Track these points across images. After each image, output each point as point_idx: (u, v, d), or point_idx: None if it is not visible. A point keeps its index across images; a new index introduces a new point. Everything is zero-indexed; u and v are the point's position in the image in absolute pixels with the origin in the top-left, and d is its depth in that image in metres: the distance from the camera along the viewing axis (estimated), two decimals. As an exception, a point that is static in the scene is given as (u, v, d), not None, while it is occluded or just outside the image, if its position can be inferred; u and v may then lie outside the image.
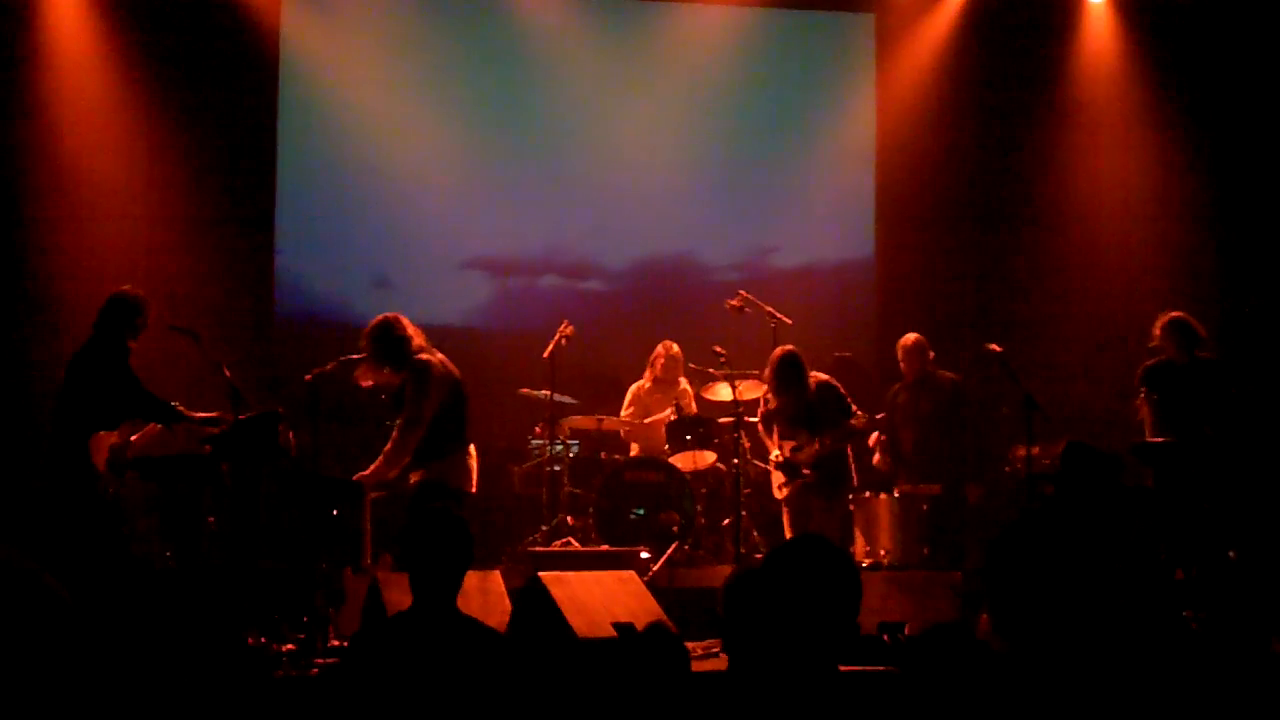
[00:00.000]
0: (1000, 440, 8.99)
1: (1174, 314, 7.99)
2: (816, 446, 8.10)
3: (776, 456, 8.23)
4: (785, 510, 8.28)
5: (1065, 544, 2.72)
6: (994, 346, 8.09)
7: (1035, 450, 7.98)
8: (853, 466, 8.36)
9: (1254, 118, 10.41)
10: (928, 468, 8.48)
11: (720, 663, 5.72)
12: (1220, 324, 8.18)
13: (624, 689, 3.34)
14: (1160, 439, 7.85)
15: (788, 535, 8.06)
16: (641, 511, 8.74)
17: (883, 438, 8.61)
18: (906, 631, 6.31)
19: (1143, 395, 7.98)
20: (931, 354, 8.67)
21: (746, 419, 8.55)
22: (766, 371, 8.18)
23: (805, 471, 8.13)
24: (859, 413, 8.23)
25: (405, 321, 7.08)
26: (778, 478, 8.31)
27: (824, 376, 8.30)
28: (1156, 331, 7.97)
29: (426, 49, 10.86)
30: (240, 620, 6.18)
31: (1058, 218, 10.81)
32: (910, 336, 8.73)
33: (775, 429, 8.28)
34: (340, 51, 10.56)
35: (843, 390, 8.29)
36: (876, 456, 8.67)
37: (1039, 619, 2.68)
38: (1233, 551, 7.39)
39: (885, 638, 6.20)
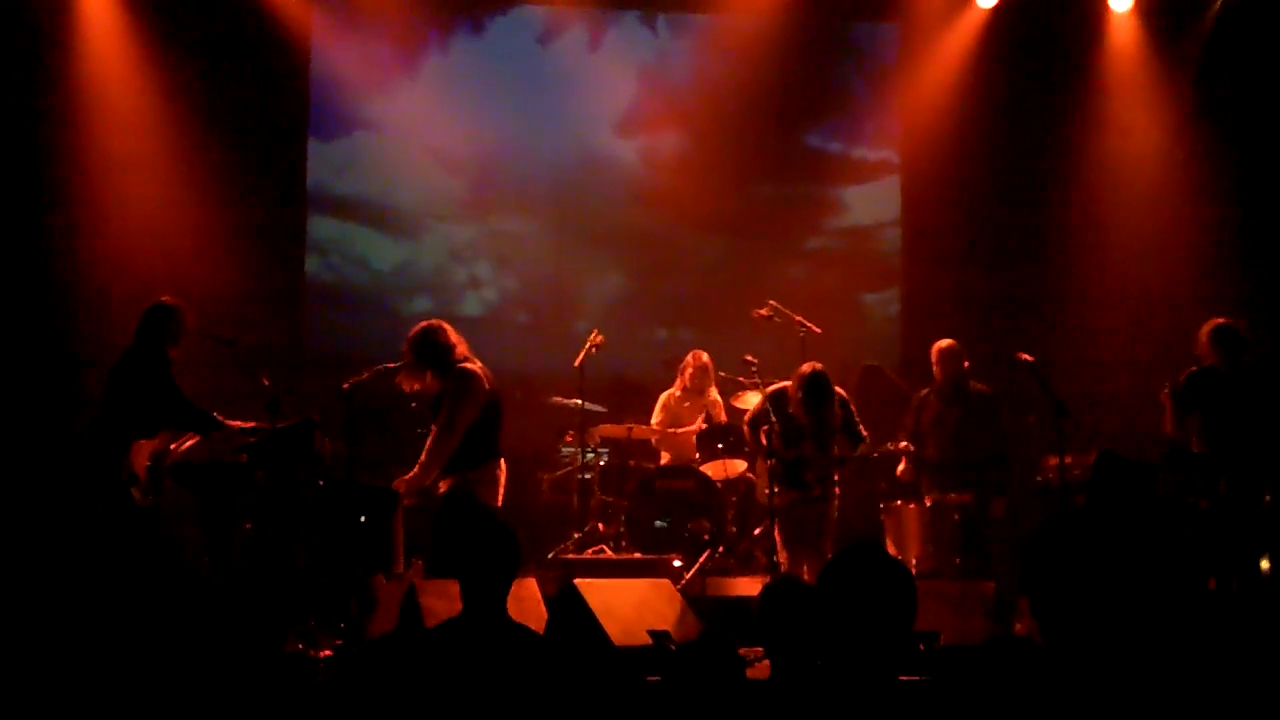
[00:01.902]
0: (1031, 450, 8.91)
1: (1219, 321, 7.91)
2: (822, 461, 8.06)
3: (773, 463, 8.09)
4: (775, 517, 8.09)
5: (1097, 551, 2.75)
6: (1025, 356, 8.08)
7: (1067, 460, 7.96)
8: (836, 474, 8.26)
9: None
10: (952, 476, 8.38)
11: (758, 671, 5.75)
12: (1258, 328, 8.10)
13: (680, 696, 3.37)
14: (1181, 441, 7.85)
15: (779, 542, 8.01)
16: (672, 519, 8.76)
17: (910, 447, 8.54)
18: (941, 641, 6.32)
19: (1166, 391, 7.92)
20: (966, 363, 8.53)
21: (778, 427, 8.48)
22: (793, 387, 8.10)
23: (809, 480, 8.07)
24: (866, 435, 8.20)
25: (449, 329, 7.13)
26: (772, 484, 8.09)
27: (841, 392, 8.23)
28: (1202, 339, 7.89)
29: (453, 57, 10.95)
30: (278, 627, 6.23)
31: (1086, 227, 10.79)
32: (945, 341, 8.59)
33: (766, 433, 8.08)
34: (369, 58, 10.62)
35: (855, 413, 8.23)
36: (901, 466, 8.61)
37: (1077, 622, 2.70)
38: (1266, 561, 7.39)
39: (920, 646, 6.22)
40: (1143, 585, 2.79)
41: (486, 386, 7.07)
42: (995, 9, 10.71)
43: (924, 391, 8.70)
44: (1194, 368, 7.92)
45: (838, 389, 8.17)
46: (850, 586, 2.76)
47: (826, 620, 2.73)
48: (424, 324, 7.18)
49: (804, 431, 8.04)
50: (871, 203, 11.40)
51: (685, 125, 11.09)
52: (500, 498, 7.22)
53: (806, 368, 8.04)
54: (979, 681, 2.80)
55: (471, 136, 10.84)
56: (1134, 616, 2.75)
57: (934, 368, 8.57)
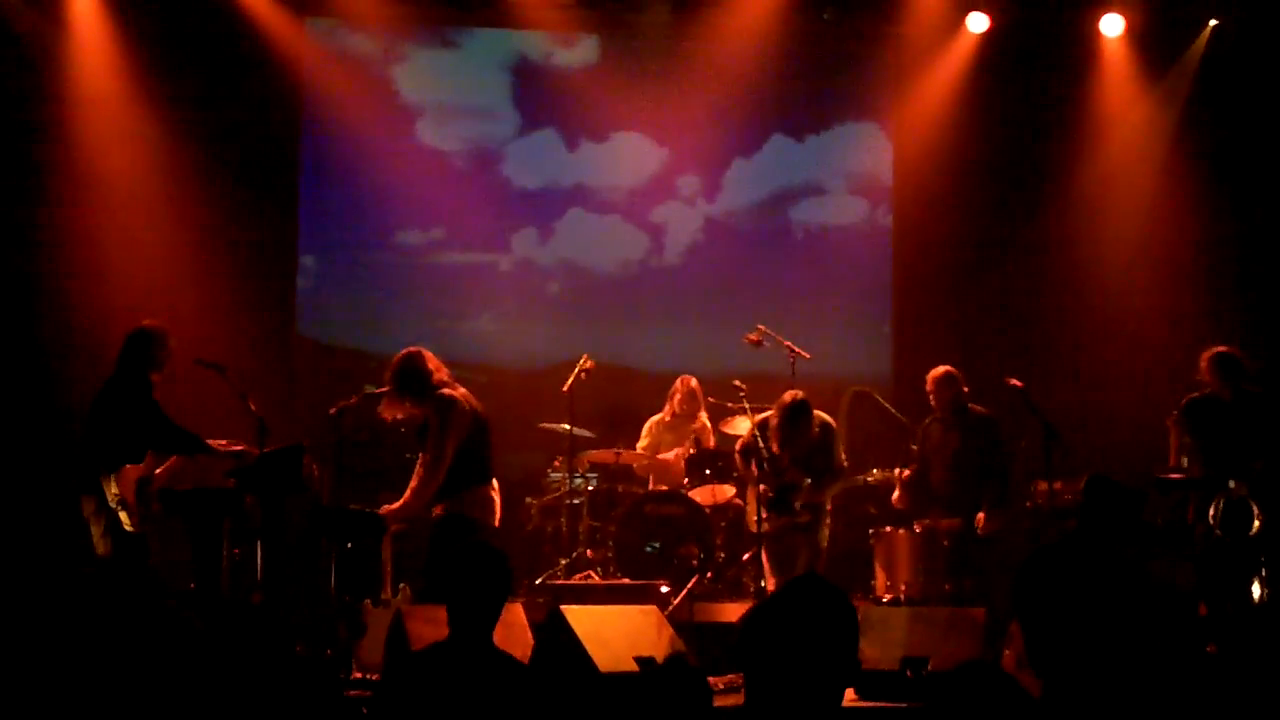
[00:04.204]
0: (1021, 474, 8.87)
1: (1219, 348, 7.92)
2: (811, 487, 8.07)
3: (765, 490, 8.09)
4: (764, 545, 8.09)
5: (1087, 577, 2.74)
6: (1014, 381, 8.07)
7: (1057, 485, 7.94)
8: (829, 504, 8.27)
9: (1276, 148, 10.41)
10: (955, 503, 8.34)
11: (740, 698, 5.72)
12: (1255, 351, 8.12)
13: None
14: (1180, 469, 7.84)
15: (767, 570, 8.00)
16: (660, 545, 8.73)
17: (904, 474, 8.51)
18: (930, 667, 6.29)
19: (1173, 419, 7.92)
20: (965, 388, 8.45)
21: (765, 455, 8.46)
22: (773, 415, 8.12)
23: (798, 507, 8.06)
24: (844, 467, 8.25)
25: (428, 355, 7.09)
26: (760, 511, 8.05)
27: (827, 418, 8.25)
28: (1202, 365, 7.90)
29: (444, 78, 11.02)
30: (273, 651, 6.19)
31: (1079, 250, 10.80)
32: (939, 368, 8.53)
33: (757, 461, 8.05)
34: (361, 82, 10.66)
35: (838, 438, 8.23)
36: (896, 494, 8.58)
37: (1068, 651, 2.69)
38: (1261, 589, 7.37)
39: (909, 673, 6.19)
40: (1133, 611, 2.78)
41: (469, 410, 7.05)
42: (986, 34, 10.73)
43: (927, 420, 8.65)
44: (1196, 393, 7.92)
45: (825, 417, 8.19)
46: (797, 616, 2.76)
47: (778, 649, 2.72)
48: (404, 351, 7.14)
49: (788, 459, 8.05)
50: (863, 228, 11.40)
51: (679, 163, 11.15)
52: (497, 518, 7.18)
53: (787, 396, 8.08)
54: (957, 708, 2.78)
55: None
56: (1125, 644, 2.74)
57: (930, 396, 8.53)
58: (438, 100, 11.02)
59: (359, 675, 6.42)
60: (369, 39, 10.82)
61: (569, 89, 10.99)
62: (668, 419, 9.56)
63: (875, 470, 8.74)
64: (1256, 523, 7.57)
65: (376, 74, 10.83)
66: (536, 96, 11.07)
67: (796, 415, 7.96)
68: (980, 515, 8.16)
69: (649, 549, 8.72)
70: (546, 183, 11.12)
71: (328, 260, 10.88)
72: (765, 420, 8.16)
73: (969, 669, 2.66)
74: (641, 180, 11.15)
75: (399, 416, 7.12)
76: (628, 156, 11.13)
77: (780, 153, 11.28)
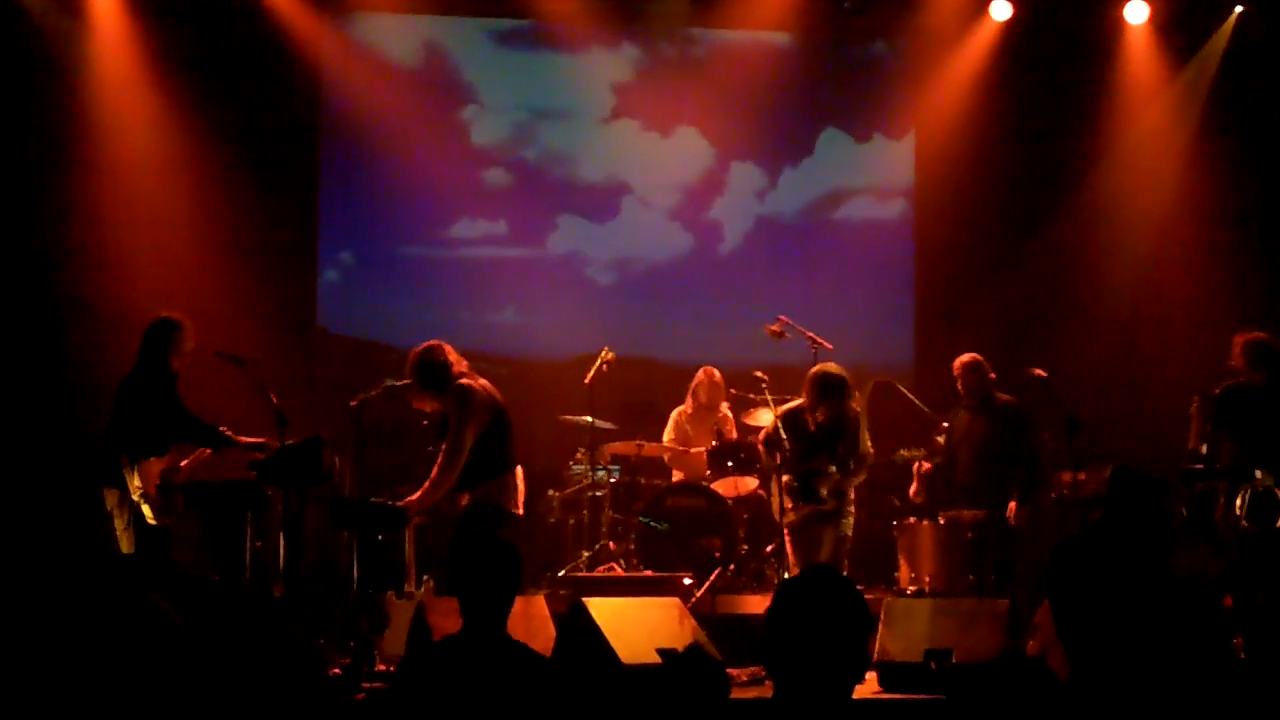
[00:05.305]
0: (1045, 465, 8.79)
1: (1256, 334, 7.77)
2: (836, 474, 8.02)
3: (789, 480, 8.05)
4: (788, 535, 8.05)
5: (1115, 567, 2.72)
6: (1038, 371, 8.00)
7: (1081, 476, 7.88)
8: (853, 492, 8.24)
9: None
10: (980, 493, 8.25)
11: (764, 690, 5.70)
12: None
13: (662, 713, 3.33)
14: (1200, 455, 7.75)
15: (791, 560, 7.97)
16: (682, 537, 8.70)
17: (925, 467, 8.45)
18: (953, 659, 6.27)
19: (1196, 406, 7.82)
20: (992, 375, 8.38)
21: (787, 445, 8.41)
22: (806, 387, 8.05)
23: (823, 493, 8.02)
24: (871, 451, 8.19)
25: (448, 348, 7.11)
26: (783, 501, 8.04)
27: (855, 407, 8.20)
28: (1235, 351, 7.75)
29: (466, 72, 11.01)
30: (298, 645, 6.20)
31: (1100, 239, 10.73)
32: (966, 355, 8.45)
33: (780, 451, 7.98)
34: (380, 74, 10.66)
35: (864, 425, 8.17)
36: (914, 487, 8.52)
37: (1099, 639, 2.67)
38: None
39: (932, 665, 6.17)
40: (1158, 602, 2.76)
41: (488, 400, 7.05)
42: (1009, 22, 10.65)
43: (954, 409, 8.58)
44: (1230, 381, 7.81)
45: (853, 404, 8.15)
46: (806, 609, 2.74)
47: (790, 641, 2.71)
48: (422, 345, 7.16)
49: (818, 444, 8.00)
50: (884, 220, 11.36)
51: (726, 159, 11.17)
52: (520, 506, 7.19)
53: (817, 368, 8.03)
54: (987, 700, 2.76)
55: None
56: (1151, 634, 2.72)
57: (957, 383, 8.47)
58: (484, 95, 11.02)
59: (381, 668, 6.43)
60: (395, 31, 10.82)
61: (624, 85, 11.02)
62: (690, 410, 9.54)
63: (903, 451, 8.67)
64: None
65: (408, 66, 10.82)
66: (592, 92, 11.07)
67: (831, 382, 7.92)
68: (1012, 505, 8.10)
69: (657, 526, 8.67)
70: (600, 177, 11.12)
71: (362, 255, 10.91)
72: (789, 411, 8.12)
73: (1005, 661, 2.63)
74: (686, 177, 11.15)
75: (429, 409, 7.13)
76: (676, 152, 11.11)
77: (825, 151, 11.24)
